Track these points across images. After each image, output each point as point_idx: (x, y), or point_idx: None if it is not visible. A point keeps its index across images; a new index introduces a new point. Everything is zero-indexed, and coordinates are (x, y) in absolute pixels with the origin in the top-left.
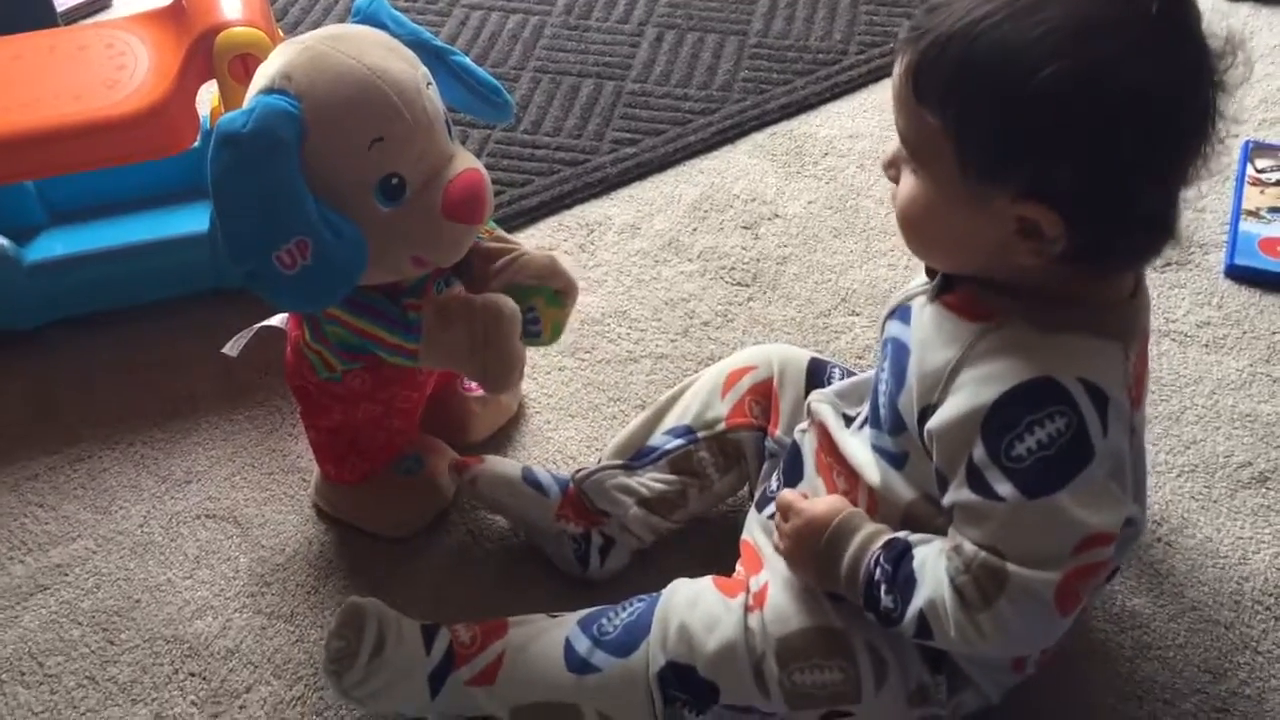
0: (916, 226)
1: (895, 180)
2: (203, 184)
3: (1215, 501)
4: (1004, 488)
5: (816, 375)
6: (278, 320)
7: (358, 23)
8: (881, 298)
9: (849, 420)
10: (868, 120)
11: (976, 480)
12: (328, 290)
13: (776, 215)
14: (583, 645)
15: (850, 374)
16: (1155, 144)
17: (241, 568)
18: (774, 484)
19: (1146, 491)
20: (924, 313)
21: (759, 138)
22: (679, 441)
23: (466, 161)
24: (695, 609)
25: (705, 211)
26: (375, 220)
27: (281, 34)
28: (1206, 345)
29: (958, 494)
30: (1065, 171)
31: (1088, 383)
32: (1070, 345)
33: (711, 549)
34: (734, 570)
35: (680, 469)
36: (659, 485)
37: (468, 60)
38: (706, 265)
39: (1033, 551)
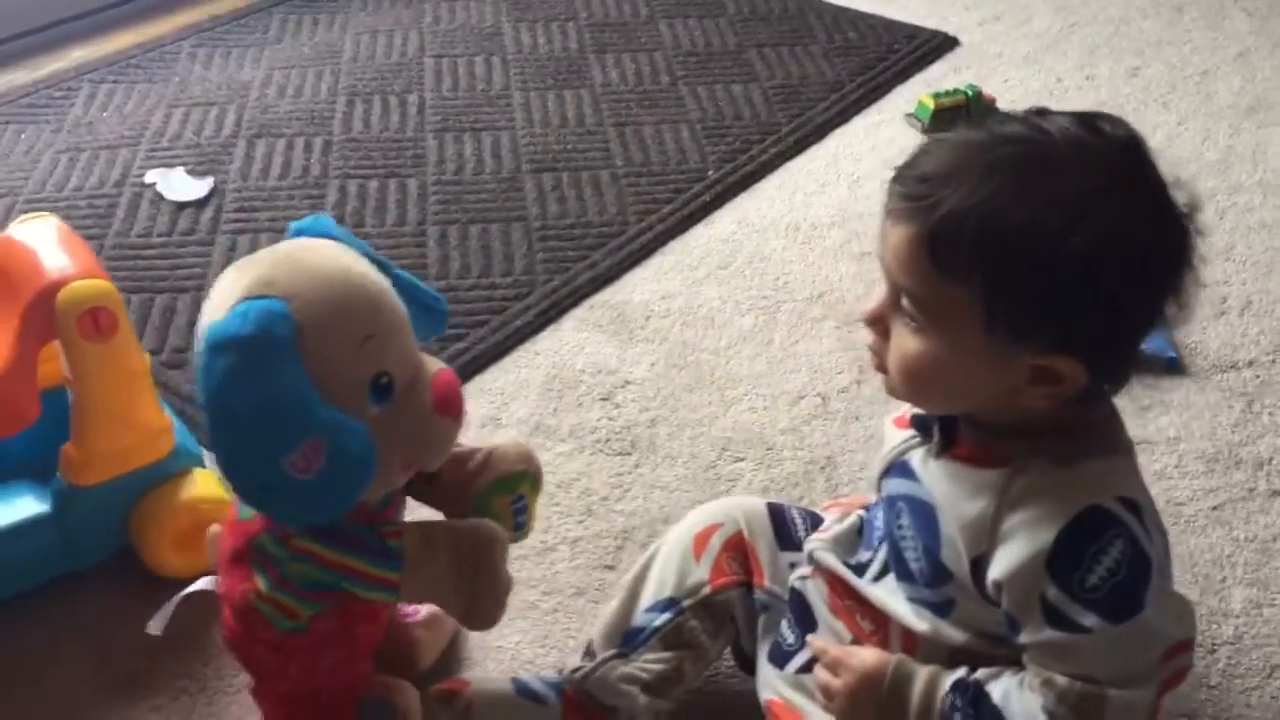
0: (923, 380)
1: (883, 335)
2: (41, 461)
3: None
4: (1089, 619)
5: (779, 519)
6: (205, 583)
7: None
8: (755, 440)
9: (853, 568)
10: (671, 281)
11: (1057, 618)
12: (346, 493)
13: (627, 382)
14: None
15: (808, 513)
16: (1164, 287)
17: None
18: (790, 637)
19: None
20: (931, 468)
21: (579, 312)
22: (666, 615)
23: (437, 362)
24: None
25: (559, 391)
26: (369, 423)
27: None
28: None
29: (1039, 634)
30: (1092, 326)
31: (1125, 499)
32: (1095, 470)
33: (705, 713)
34: None
35: (673, 644)
36: (657, 666)
37: (407, 274)
38: (581, 442)
39: (1127, 672)
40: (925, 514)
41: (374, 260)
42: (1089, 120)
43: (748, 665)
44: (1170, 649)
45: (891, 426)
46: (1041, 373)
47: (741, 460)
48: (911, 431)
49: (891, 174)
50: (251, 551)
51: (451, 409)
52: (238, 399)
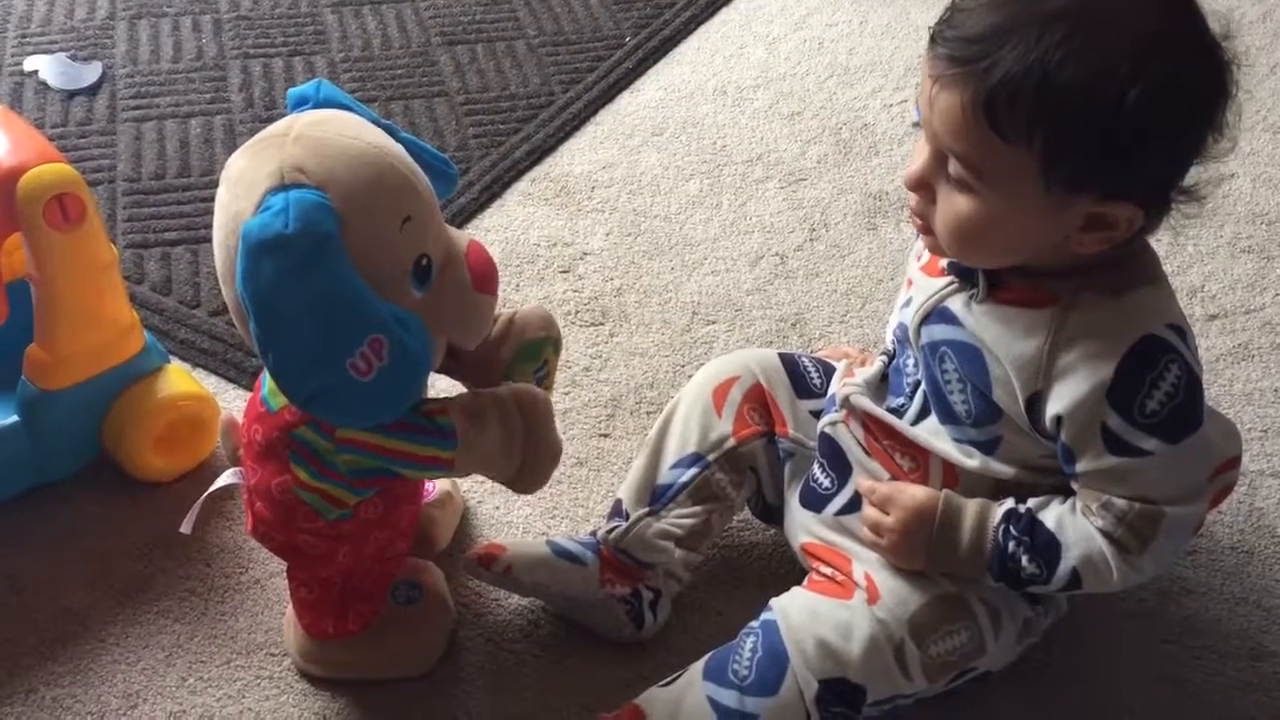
0: (977, 239)
1: (928, 198)
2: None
3: None
4: (1149, 443)
5: (793, 368)
6: (230, 476)
7: (310, 110)
8: (723, 302)
9: (890, 411)
10: (609, 150)
11: (1119, 445)
12: (408, 390)
13: (585, 254)
14: (729, 697)
15: (818, 361)
16: (1213, 122)
17: None
18: (825, 481)
19: None
20: (976, 312)
21: (521, 187)
22: (693, 470)
23: (463, 234)
24: (821, 621)
25: (517, 266)
26: (415, 309)
27: None
28: None
29: (1099, 461)
30: (1150, 170)
31: (1172, 325)
32: (1143, 300)
33: (726, 564)
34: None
35: (701, 498)
36: (688, 520)
37: (412, 136)
38: (551, 312)
39: (1182, 489)
40: (973, 357)
41: (379, 126)
42: None
43: (767, 514)
44: (1220, 465)
45: (920, 274)
46: (1096, 220)
47: (714, 323)
48: (947, 279)
49: (929, 35)
50: (289, 443)
51: (490, 285)
52: (291, 303)
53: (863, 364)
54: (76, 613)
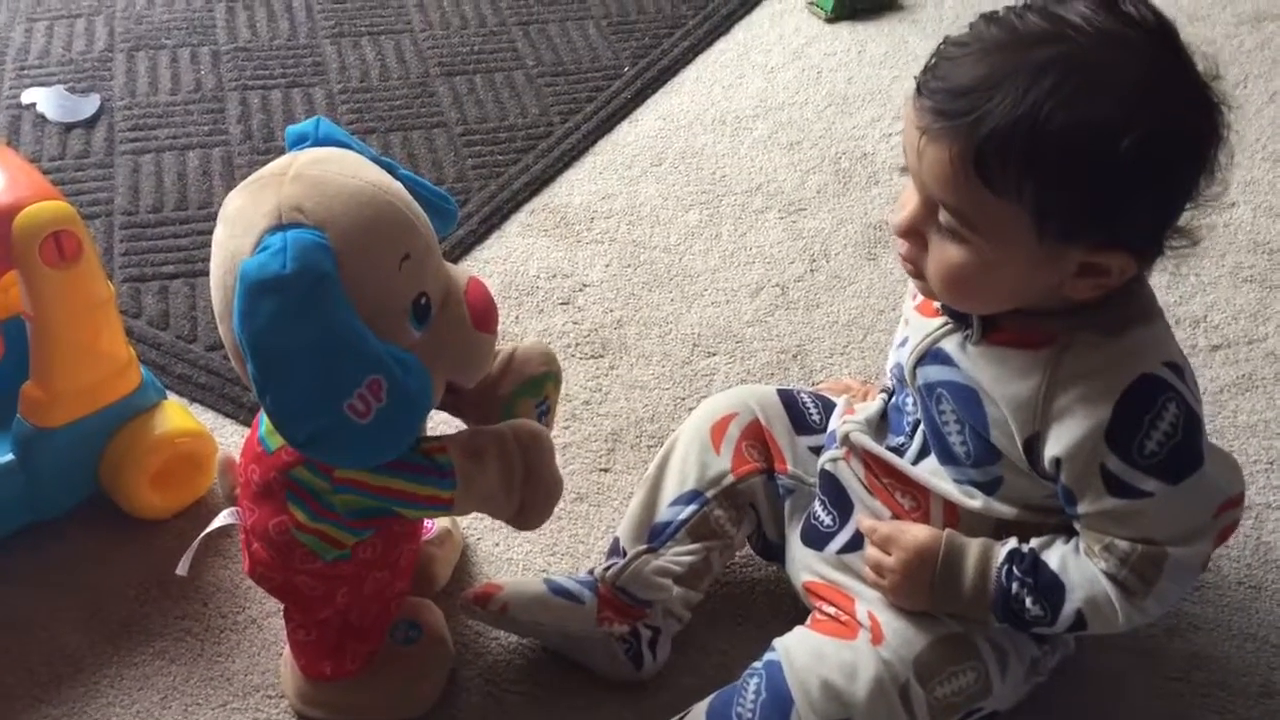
0: (970, 286)
1: (918, 245)
2: None
3: None
4: (1149, 484)
5: (791, 405)
6: (226, 517)
7: (309, 148)
8: (724, 334)
9: (890, 450)
10: (608, 181)
11: (1119, 486)
12: (406, 431)
13: (585, 285)
14: None
15: (817, 397)
16: (1207, 169)
17: None
18: (826, 519)
19: None
20: (971, 353)
21: (521, 218)
22: (691, 508)
23: (462, 271)
24: (825, 662)
25: (517, 298)
26: (413, 348)
27: None
28: None
29: (1099, 504)
30: (1143, 218)
31: (1170, 363)
32: (1139, 338)
33: (728, 602)
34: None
35: (700, 535)
36: (687, 558)
37: (412, 174)
38: (551, 347)
39: (1185, 530)
40: (969, 399)
41: (379, 163)
42: (1110, 6)
43: (769, 551)
44: (1223, 504)
45: (915, 313)
46: (1089, 268)
47: (714, 355)
48: (941, 319)
49: (914, 85)
50: (286, 484)
51: (490, 324)
52: (289, 344)
53: (865, 397)
54: (71, 654)
